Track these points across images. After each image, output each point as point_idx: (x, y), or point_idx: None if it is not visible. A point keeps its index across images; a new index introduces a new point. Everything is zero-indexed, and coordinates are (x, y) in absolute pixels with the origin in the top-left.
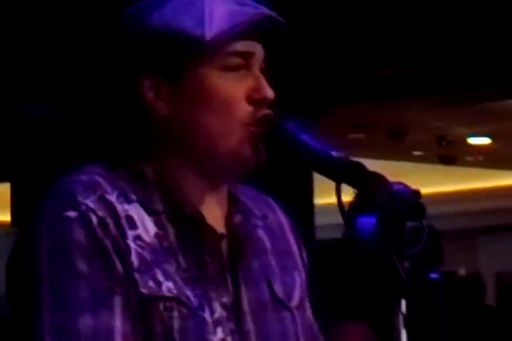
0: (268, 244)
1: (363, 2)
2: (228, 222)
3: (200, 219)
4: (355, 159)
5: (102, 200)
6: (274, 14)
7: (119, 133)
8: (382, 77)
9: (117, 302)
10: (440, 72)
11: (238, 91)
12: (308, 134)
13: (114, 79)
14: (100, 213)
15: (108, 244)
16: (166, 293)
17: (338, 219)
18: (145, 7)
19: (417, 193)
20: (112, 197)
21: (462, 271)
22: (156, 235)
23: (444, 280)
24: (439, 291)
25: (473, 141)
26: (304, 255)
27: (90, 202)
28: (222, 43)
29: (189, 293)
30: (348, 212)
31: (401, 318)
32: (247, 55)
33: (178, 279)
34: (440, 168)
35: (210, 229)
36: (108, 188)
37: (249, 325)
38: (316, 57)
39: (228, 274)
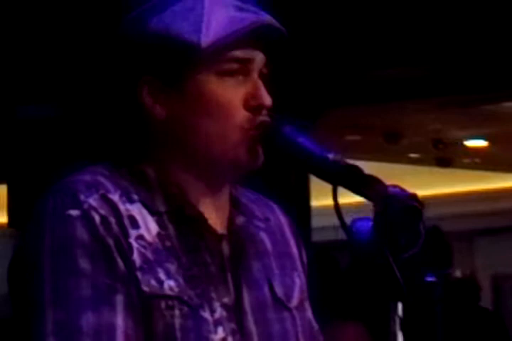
0: (269, 246)
1: (361, 5)
2: (230, 223)
3: (202, 219)
4: (351, 161)
5: (105, 199)
6: (274, 22)
7: (120, 135)
8: (378, 79)
9: (119, 300)
10: (437, 75)
11: (236, 97)
12: (305, 137)
13: (114, 82)
14: (103, 212)
15: (110, 242)
16: (168, 292)
17: (335, 221)
18: (146, 12)
19: (413, 197)
20: (115, 197)
21: (458, 273)
22: (158, 235)
23: (440, 282)
24: (436, 294)
25: (469, 143)
26: (304, 257)
27: (93, 201)
28: (219, 49)
29: (190, 292)
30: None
31: (397, 321)
32: (245, 61)
33: (179, 278)
34: (436, 170)
35: (211, 230)
36: (111, 188)
37: (251, 326)
38: (313, 59)
39: (229, 275)
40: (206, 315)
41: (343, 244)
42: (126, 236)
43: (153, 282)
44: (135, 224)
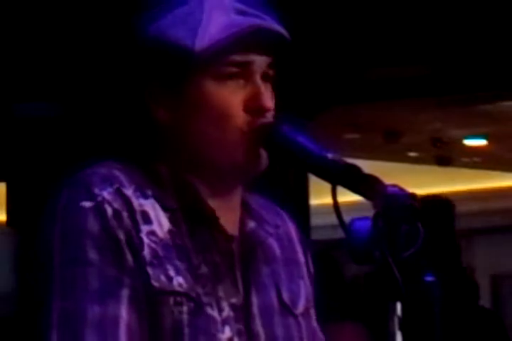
0: (278, 253)
1: (361, 3)
2: (242, 226)
3: (213, 218)
4: (350, 160)
5: (119, 193)
6: (274, 25)
7: (128, 135)
8: (378, 78)
9: (125, 293)
10: (436, 74)
11: (235, 101)
12: (304, 136)
13: (118, 83)
14: (116, 205)
15: (121, 236)
16: (177, 288)
17: (333, 220)
18: (149, 16)
19: (412, 196)
20: (129, 192)
21: None
22: (170, 231)
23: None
24: (435, 294)
25: (469, 142)
26: (310, 264)
27: (107, 194)
28: (217, 53)
29: (199, 290)
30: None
31: (396, 321)
32: (244, 65)
33: (188, 276)
34: (436, 169)
35: (222, 229)
36: (125, 182)
37: (258, 328)
38: (313, 57)
39: (239, 276)
40: (214, 313)
41: (340, 243)
42: (138, 231)
43: (162, 277)
44: (147, 220)
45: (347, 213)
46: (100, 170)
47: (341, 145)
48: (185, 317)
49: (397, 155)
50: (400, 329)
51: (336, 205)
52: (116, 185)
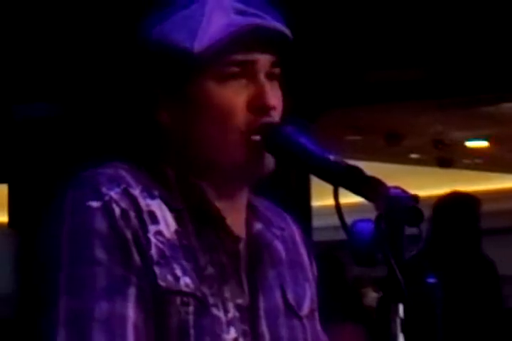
0: (283, 255)
1: (360, 6)
2: (249, 228)
3: (220, 219)
4: (352, 161)
5: (126, 193)
6: (275, 24)
7: (133, 137)
8: (380, 80)
9: (132, 292)
10: (438, 76)
11: (238, 101)
12: (306, 137)
13: (121, 85)
14: (123, 205)
15: (128, 235)
16: (184, 288)
17: (335, 221)
18: (155, 16)
19: (414, 198)
20: (136, 192)
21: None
22: (176, 232)
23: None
24: (437, 296)
25: (470, 144)
26: (315, 268)
27: (114, 194)
28: (217, 53)
29: (205, 291)
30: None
31: (398, 323)
32: (246, 64)
33: (195, 276)
34: (437, 170)
35: (229, 230)
36: (132, 182)
37: (263, 329)
38: (314, 60)
39: (244, 277)
40: (220, 314)
41: (342, 244)
42: (145, 231)
43: (169, 277)
44: (154, 220)
45: (349, 215)
46: (106, 170)
47: (343, 147)
48: (191, 317)
49: (399, 157)
50: (402, 331)
51: (337, 207)
52: (123, 185)
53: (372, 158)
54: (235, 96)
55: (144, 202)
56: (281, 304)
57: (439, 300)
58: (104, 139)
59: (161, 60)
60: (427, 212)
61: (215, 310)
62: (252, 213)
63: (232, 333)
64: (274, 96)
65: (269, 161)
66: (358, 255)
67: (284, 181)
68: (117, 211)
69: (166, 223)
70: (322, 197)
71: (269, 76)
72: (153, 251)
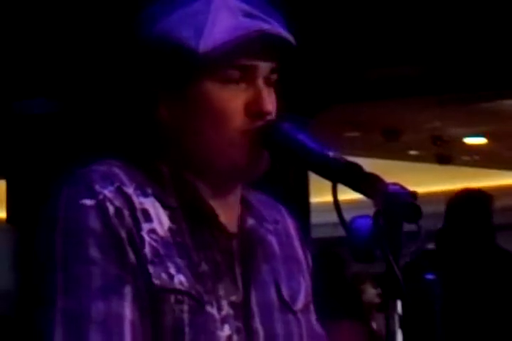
0: (277, 249)
1: (361, 3)
2: (241, 223)
3: (213, 217)
4: (350, 158)
5: (120, 192)
6: (280, 31)
7: (130, 133)
8: (378, 76)
9: (128, 291)
10: (436, 73)
11: (236, 104)
12: (304, 134)
13: (120, 81)
14: (117, 203)
15: (122, 234)
16: (178, 286)
17: (334, 218)
18: (157, 12)
19: (413, 194)
20: (129, 190)
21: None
22: (170, 229)
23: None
24: (435, 292)
25: (469, 140)
26: (309, 260)
27: (108, 192)
28: (221, 56)
29: (199, 288)
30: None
31: (397, 319)
32: (247, 69)
33: (189, 274)
34: (436, 167)
35: (222, 227)
36: (126, 180)
37: (257, 325)
38: (313, 56)
39: (238, 274)
40: (214, 311)
41: (341, 241)
42: (139, 229)
43: (163, 275)
44: (148, 218)
45: (347, 211)
46: (100, 167)
47: (341, 144)
48: (185, 315)
49: (398, 154)
50: (401, 327)
51: (336, 203)
52: (117, 184)
53: (370, 155)
54: (234, 100)
55: (138, 200)
56: (276, 299)
57: (438, 297)
58: (102, 135)
59: (164, 57)
60: (425, 209)
61: (209, 308)
62: (246, 208)
63: (227, 330)
64: (271, 103)
65: (266, 161)
66: (357, 251)
67: (283, 178)
68: (111, 209)
69: (160, 221)
70: (321, 194)
71: (267, 82)
72: (147, 250)
